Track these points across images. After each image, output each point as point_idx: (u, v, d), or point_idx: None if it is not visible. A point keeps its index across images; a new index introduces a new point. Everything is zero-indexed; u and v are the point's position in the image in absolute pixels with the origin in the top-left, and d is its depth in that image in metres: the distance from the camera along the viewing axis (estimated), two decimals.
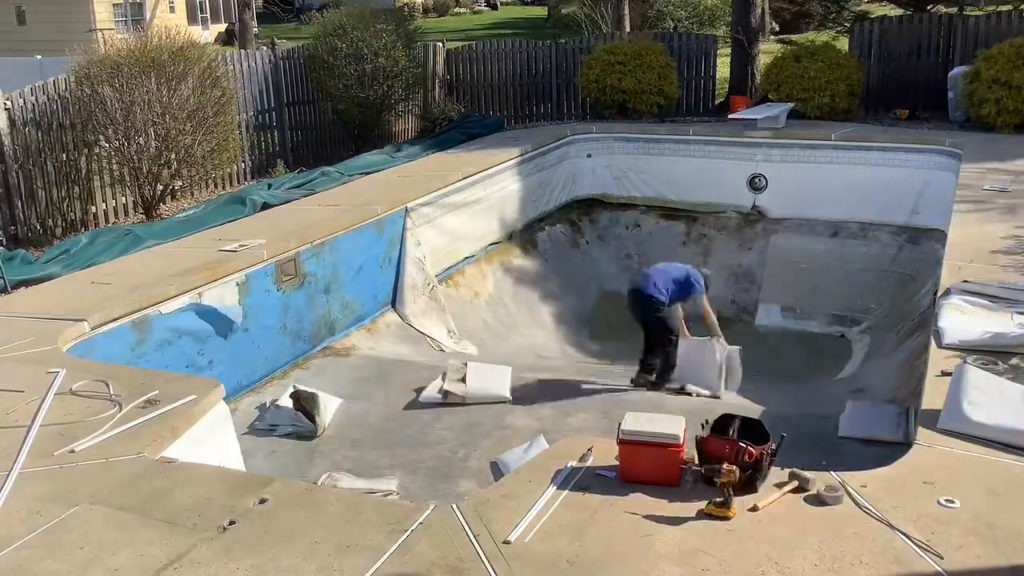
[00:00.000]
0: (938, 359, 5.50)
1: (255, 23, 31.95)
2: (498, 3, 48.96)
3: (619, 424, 4.28)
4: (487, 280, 11.19)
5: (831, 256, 11.96)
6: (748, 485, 4.01)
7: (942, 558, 3.55)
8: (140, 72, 10.03)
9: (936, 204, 11.02)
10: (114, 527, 3.92)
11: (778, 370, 9.75)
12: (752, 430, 4.22)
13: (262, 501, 4.10)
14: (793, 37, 21.68)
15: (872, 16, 17.78)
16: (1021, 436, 4.35)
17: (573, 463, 4.36)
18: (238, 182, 12.42)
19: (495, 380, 7.99)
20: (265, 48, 13.55)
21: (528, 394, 8.06)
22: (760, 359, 9.38)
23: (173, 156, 10.58)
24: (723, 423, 4.30)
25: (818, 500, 3.97)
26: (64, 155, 10.16)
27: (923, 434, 4.54)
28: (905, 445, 4.74)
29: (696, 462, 4.21)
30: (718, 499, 3.90)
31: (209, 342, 7.43)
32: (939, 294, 6.62)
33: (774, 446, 4.12)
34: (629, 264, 12.77)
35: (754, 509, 3.89)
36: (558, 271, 12.19)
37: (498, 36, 23.74)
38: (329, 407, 7.41)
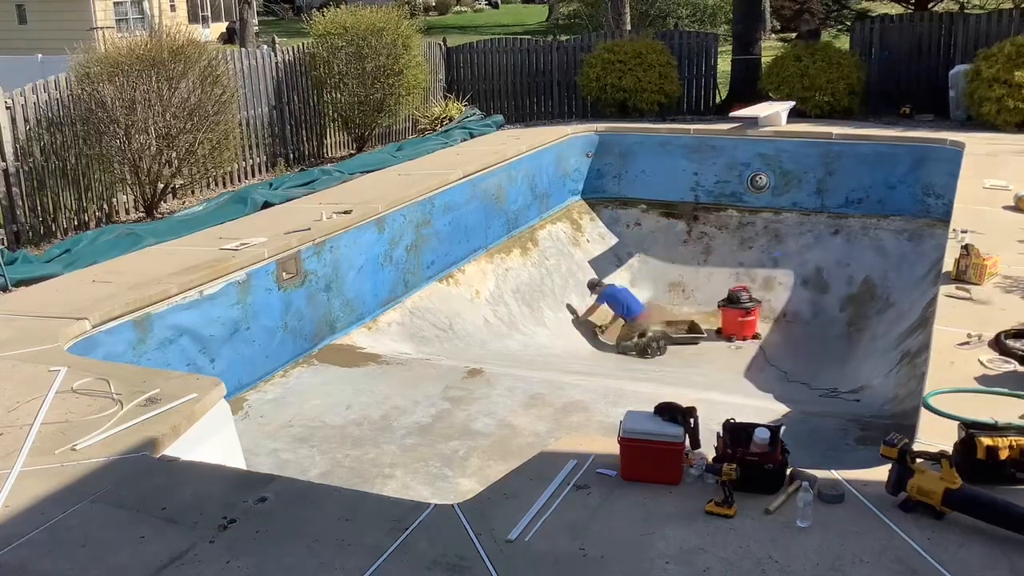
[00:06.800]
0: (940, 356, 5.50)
1: (255, 21, 31.97)
2: (499, 2, 48.88)
3: (620, 423, 4.28)
4: (488, 279, 11.19)
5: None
6: (758, 486, 4.00)
7: (943, 557, 3.55)
8: (141, 70, 10.03)
9: (937, 202, 10.97)
10: (115, 525, 3.93)
11: None
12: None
13: (263, 500, 4.11)
14: (793, 36, 21.67)
15: (872, 15, 17.77)
16: None
17: (574, 462, 4.36)
18: (239, 180, 12.42)
19: None
20: (266, 47, 13.54)
21: (530, 393, 8.06)
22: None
23: (174, 154, 10.59)
24: (738, 427, 4.29)
25: (819, 499, 3.97)
26: (64, 153, 10.16)
27: (924, 432, 4.54)
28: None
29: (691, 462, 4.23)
30: (719, 498, 3.90)
31: (210, 340, 7.43)
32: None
33: (784, 454, 4.11)
34: (630, 263, 12.79)
35: (767, 512, 3.88)
36: (559, 269, 12.19)
37: (498, 35, 23.70)
38: None
